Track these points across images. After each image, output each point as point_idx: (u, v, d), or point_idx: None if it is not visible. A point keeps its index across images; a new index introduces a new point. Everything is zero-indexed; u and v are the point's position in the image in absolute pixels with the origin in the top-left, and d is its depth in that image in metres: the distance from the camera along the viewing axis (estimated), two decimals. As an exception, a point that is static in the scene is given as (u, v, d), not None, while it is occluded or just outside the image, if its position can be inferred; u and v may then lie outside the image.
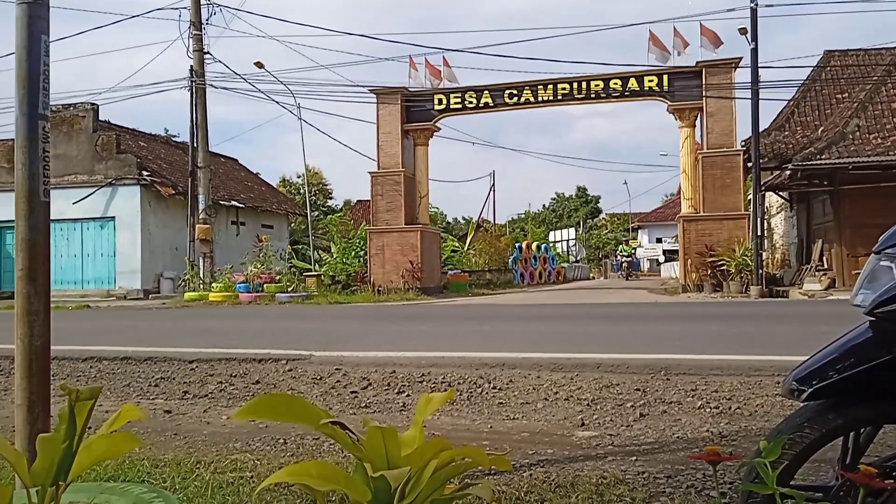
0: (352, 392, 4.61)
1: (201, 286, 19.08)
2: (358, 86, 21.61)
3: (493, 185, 41.97)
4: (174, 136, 28.54)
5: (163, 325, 10.54)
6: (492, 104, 19.91)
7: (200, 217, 20.05)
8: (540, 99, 19.59)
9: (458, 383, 4.65)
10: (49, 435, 1.06)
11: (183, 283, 19.98)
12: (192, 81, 19.93)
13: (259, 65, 20.70)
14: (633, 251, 16.53)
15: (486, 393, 4.43)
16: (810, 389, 1.63)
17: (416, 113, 20.41)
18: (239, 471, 2.78)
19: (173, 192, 21.48)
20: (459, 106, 20.10)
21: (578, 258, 54.15)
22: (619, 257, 16.39)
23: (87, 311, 15.00)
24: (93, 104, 21.94)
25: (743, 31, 16.96)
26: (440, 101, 20.12)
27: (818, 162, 16.34)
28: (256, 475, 2.71)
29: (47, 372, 2.03)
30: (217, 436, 3.59)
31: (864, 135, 16.77)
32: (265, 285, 17.87)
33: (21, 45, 2.23)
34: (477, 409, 4.09)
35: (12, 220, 2.28)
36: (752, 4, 16.82)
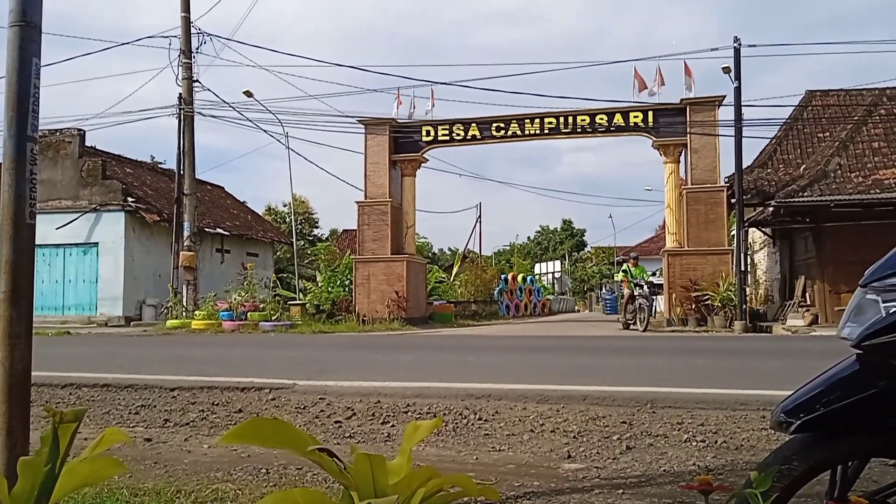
0: (336, 422, 4.55)
1: (184, 314, 18.91)
2: (346, 116, 21.73)
3: (480, 216, 42.17)
4: (160, 163, 28.45)
5: (144, 352, 10.41)
6: (479, 136, 20.08)
7: (185, 244, 19.94)
8: (527, 132, 19.79)
9: (444, 414, 4.61)
10: (31, 458, 1.04)
11: (165, 311, 19.79)
12: (180, 109, 19.97)
13: (248, 94, 20.78)
14: (644, 276, 15.12)
15: (472, 424, 4.39)
16: (798, 422, 1.63)
17: (403, 144, 20.53)
18: (220, 500, 2.73)
19: (158, 218, 21.38)
20: (447, 138, 20.25)
21: (564, 291, 54.26)
22: (624, 284, 14.97)
23: (67, 337, 14.79)
24: (79, 130, 21.91)
25: (726, 70, 17.27)
26: (428, 133, 20.26)
27: (800, 199, 16.56)
28: (238, 505, 2.66)
29: (27, 396, 2.00)
30: (198, 465, 3.53)
31: (845, 173, 17.03)
32: (249, 314, 17.73)
33: (12, 68, 2.24)
34: (462, 441, 4.06)
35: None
36: (735, 45, 17.17)
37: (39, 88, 2.27)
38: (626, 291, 17.44)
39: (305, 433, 1.06)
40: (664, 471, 3.34)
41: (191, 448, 3.97)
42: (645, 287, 16.67)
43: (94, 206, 21.17)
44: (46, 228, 19.91)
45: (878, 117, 18.68)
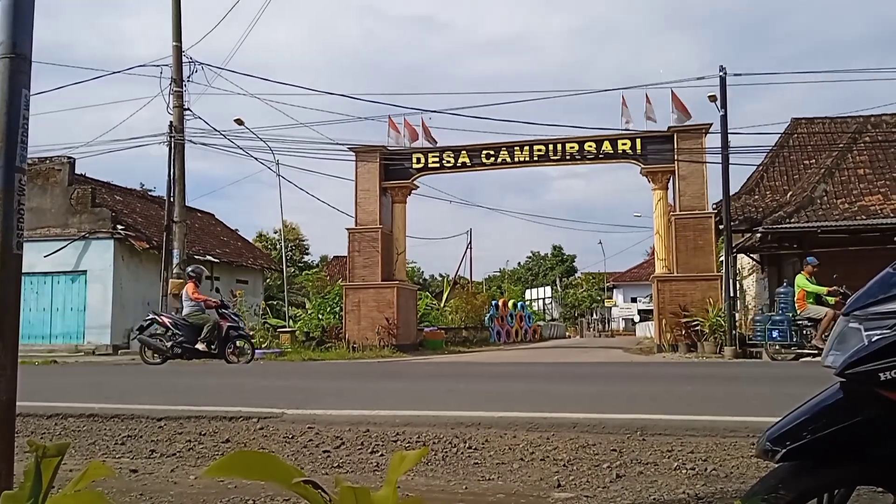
0: (324, 451, 4.52)
1: (172, 342, 18.74)
2: (337, 144, 21.80)
3: (470, 242, 42.23)
4: (150, 190, 28.45)
5: (131, 381, 10.31)
6: (469, 164, 20.20)
7: (174, 272, 19.84)
8: (516, 159, 19.94)
9: (433, 442, 4.58)
10: (14, 492, 1.03)
11: (154, 339, 19.61)
12: (171, 137, 19.99)
13: (239, 122, 20.88)
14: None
15: (462, 453, 4.36)
16: (784, 450, 1.64)
17: (394, 171, 20.63)
18: (206, 533, 2.69)
19: (147, 246, 21.30)
20: (437, 165, 20.37)
21: (555, 317, 54.25)
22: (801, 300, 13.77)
23: (54, 366, 14.64)
24: (69, 158, 21.89)
25: (713, 98, 17.50)
26: (418, 160, 20.38)
27: (787, 226, 16.71)
28: (224, 538, 2.63)
29: (12, 428, 1.98)
30: (184, 496, 3.49)
31: (831, 199, 17.22)
32: (238, 341, 17.59)
33: (1, 99, 2.25)
34: (452, 470, 4.03)
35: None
36: (720, 73, 17.41)
37: (28, 119, 2.29)
38: (823, 311, 13.15)
39: (291, 465, 1.06)
40: (654, 499, 3.33)
41: (177, 479, 3.92)
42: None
43: (83, 233, 21.09)
44: (34, 256, 19.78)
45: (862, 144, 18.95)
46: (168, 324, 13.00)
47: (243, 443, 4.86)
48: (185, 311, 13.32)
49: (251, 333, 18.18)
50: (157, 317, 13.37)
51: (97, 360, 17.05)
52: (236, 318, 13.71)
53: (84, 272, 21.26)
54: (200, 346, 12.85)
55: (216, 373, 11.84)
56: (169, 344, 12.91)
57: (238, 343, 13.50)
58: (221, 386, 9.17)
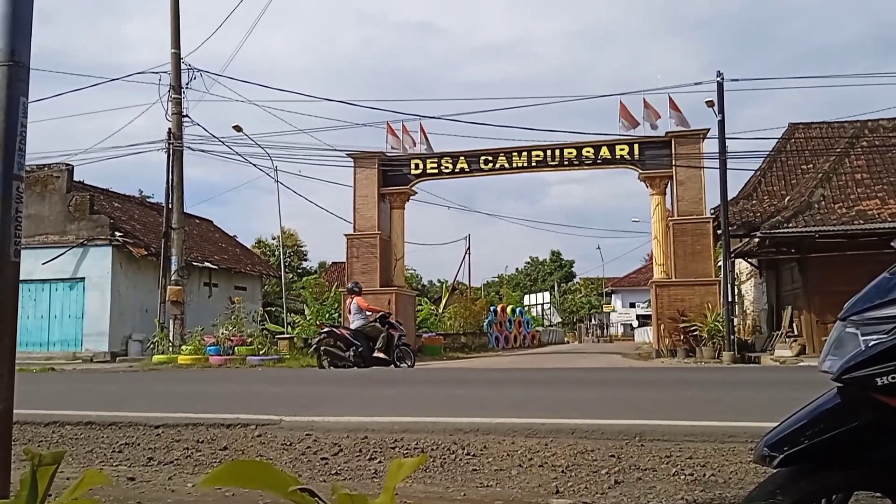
0: (322, 458, 4.51)
1: (171, 349, 18.72)
2: (336, 150, 21.88)
3: (469, 248, 42.22)
4: (149, 197, 28.44)
5: (129, 388, 10.29)
6: (467, 169, 20.24)
7: (172, 278, 19.82)
8: (514, 165, 19.97)
9: (432, 449, 4.57)
10: (9, 501, 1.03)
11: (152, 346, 19.59)
12: (169, 144, 20.01)
13: (238, 128, 20.88)
14: None
15: (460, 459, 4.35)
16: (782, 456, 1.64)
17: (392, 177, 20.65)
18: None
19: (146, 253, 21.28)
20: (436, 171, 20.40)
21: (553, 322, 54.23)
22: None
23: (51, 373, 14.61)
24: (67, 165, 21.89)
25: (710, 103, 17.54)
26: (417, 166, 20.40)
27: (785, 230, 16.73)
28: (222, 546, 2.62)
29: (9, 437, 1.97)
30: (182, 504, 3.48)
31: (829, 204, 17.24)
32: (236, 348, 17.58)
33: (-1, 107, 2.25)
34: (450, 477, 4.02)
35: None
36: (718, 79, 17.46)
37: (27, 127, 2.29)
38: None
39: (287, 473, 1.06)
40: (653, 505, 3.32)
41: (175, 487, 3.91)
42: None
43: (81, 240, 21.06)
44: (32, 264, 19.76)
45: (860, 149, 18.98)
46: (348, 336, 13.97)
47: (241, 450, 4.85)
48: (357, 324, 14.28)
49: (249, 340, 18.17)
50: (334, 330, 14.38)
51: (95, 368, 17.01)
52: (400, 327, 14.88)
53: (82, 279, 21.23)
54: (380, 355, 13.89)
55: (214, 379, 11.82)
56: (348, 353, 13.82)
57: (402, 349, 14.56)
58: (219, 392, 9.16)
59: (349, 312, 14.75)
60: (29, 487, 1.03)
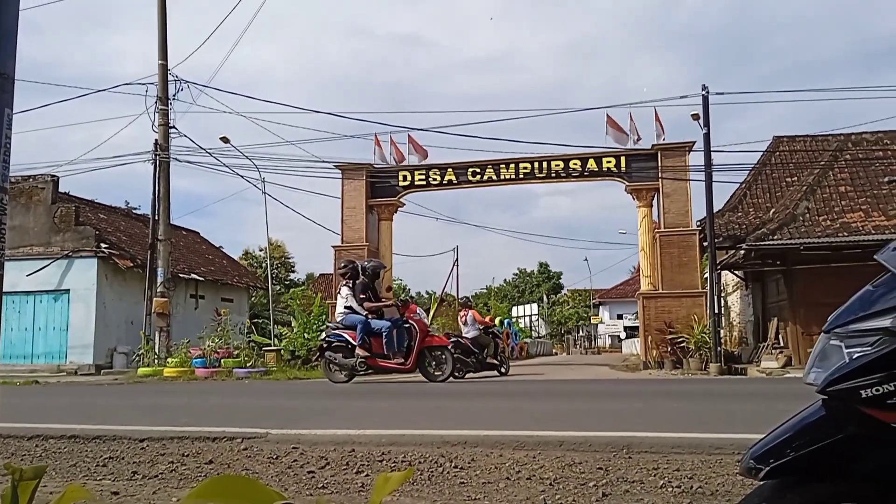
0: (309, 472, 4.47)
1: (156, 361, 18.57)
2: (323, 161, 21.83)
3: (457, 259, 42.19)
4: (135, 209, 28.28)
5: (114, 401, 10.19)
6: (455, 181, 20.28)
7: (158, 290, 19.69)
8: (502, 177, 20.03)
9: (419, 462, 4.55)
10: (-12, 519, 1.01)
11: (137, 358, 19.42)
12: (156, 155, 19.93)
13: (225, 140, 20.82)
14: None
15: (447, 472, 4.34)
16: (767, 468, 1.65)
17: (380, 188, 20.65)
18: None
19: (131, 264, 21.14)
20: (424, 182, 20.42)
21: (541, 334, 54.25)
22: None
23: (35, 386, 14.44)
24: (53, 176, 21.75)
25: (695, 116, 17.69)
26: (405, 178, 20.42)
27: (770, 243, 16.85)
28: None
29: (-11, 451, 1.95)
30: (166, 519, 3.44)
31: (813, 217, 17.40)
32: (222, 360, 17.46)
33: (-17, 118, 2.23)
34: (437, 490, 4.00)
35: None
36: (703, 92, 17.62)
37: (11, 139, 2.27)
38: None
39: (272, 488, 1.05)
40: (640, 518, 3.31)
41: (159, 501, 3.87)
42: None
43: (66, 252, 20.90)
44: (17, 275, 19.58)
45: (843, 162, 19.19)
46: (469, 345, 15.61)
47: (227, 464, 4.80)
48: (472, 334, 15.96)
49: (236, 353, 18.05)
50: (459, 340, 15.60)
51: (79, 380, 16.84)
52: (499, 337, 16.91)
53: (67, 291, 21.05)
54: (493, 360, 15.98)
55: (200, 392, 11.73)
56: (471, 360, 15.51)
57: (501, 357, 16.58)
58: (205, 405, 9.09)
59: (464, 324, 16.55)
60: (10, 503, 1.02)
